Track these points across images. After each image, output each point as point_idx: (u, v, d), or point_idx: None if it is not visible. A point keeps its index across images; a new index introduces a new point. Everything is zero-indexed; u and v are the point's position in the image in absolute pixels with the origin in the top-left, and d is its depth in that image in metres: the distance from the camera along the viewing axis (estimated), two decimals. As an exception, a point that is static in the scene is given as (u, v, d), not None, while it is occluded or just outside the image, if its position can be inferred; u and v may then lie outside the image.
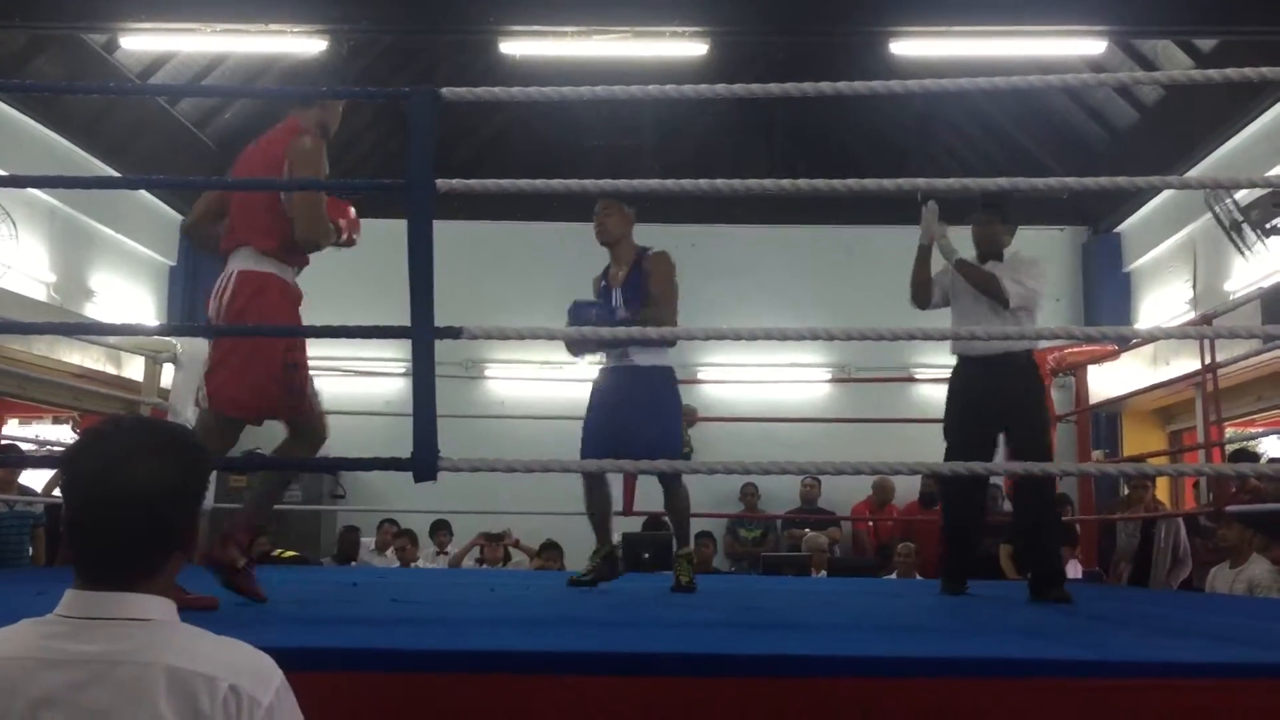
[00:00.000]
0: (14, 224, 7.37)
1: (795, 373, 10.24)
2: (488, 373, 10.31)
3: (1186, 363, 7.31)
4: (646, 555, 7.18)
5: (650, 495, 7.25)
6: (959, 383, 4.65)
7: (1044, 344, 6.43)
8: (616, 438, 4.46)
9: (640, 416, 4.51)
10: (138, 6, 7.48)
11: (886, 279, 9.60)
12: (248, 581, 3.41)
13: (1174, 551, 6.72)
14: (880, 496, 9.30)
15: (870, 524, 9.30)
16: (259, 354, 3.38)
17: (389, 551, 8.33)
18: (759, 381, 10.14)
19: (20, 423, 9.89)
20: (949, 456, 4.51)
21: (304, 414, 3.53)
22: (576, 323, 4.49)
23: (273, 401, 3.44)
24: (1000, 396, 4.42)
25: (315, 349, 3.85)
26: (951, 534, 4.84)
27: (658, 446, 4.35)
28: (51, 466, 6.53)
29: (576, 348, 4.78)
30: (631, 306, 4.60)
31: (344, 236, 3.58)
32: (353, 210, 3.66)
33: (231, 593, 3.35)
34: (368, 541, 8.59)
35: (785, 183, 3.06)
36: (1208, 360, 5.64)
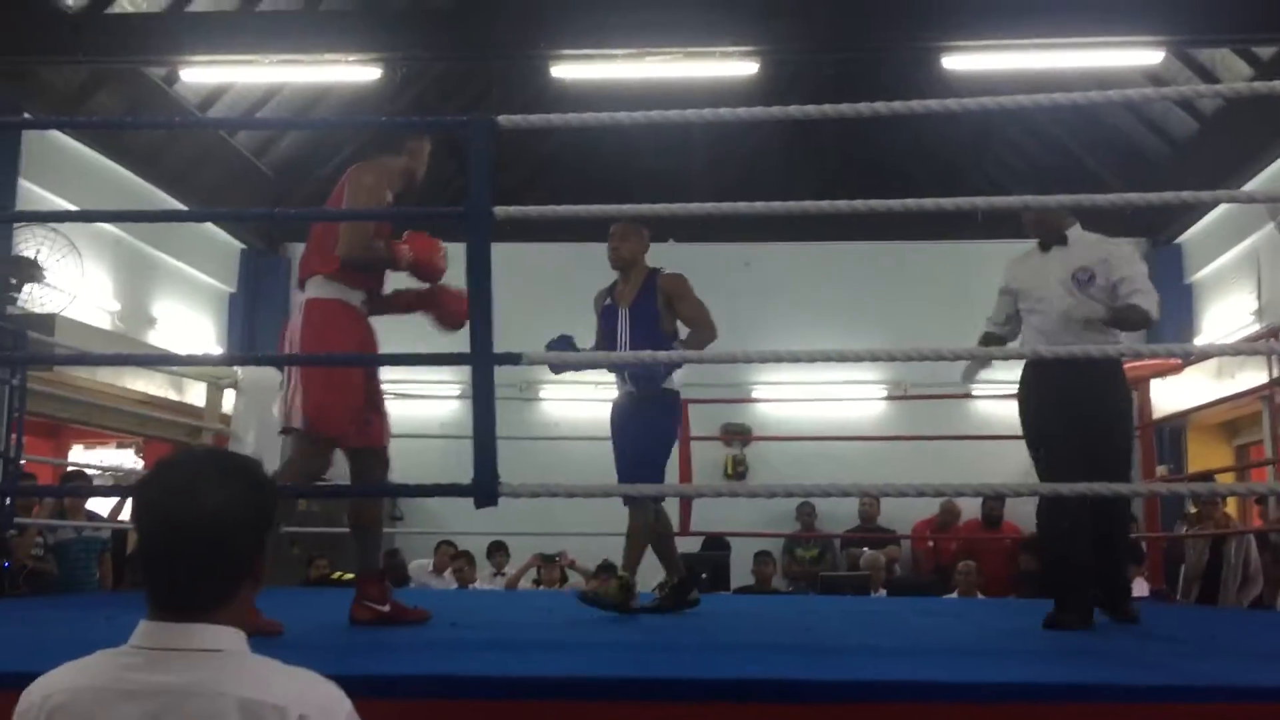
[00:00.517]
0: (80, 255, 7.53)
1: (851, 390, 10.15)
2: (542, 394, 10.34)
3: (1252, 375, 7.16)
4: (704, 575, 7.15)
5: (707, 516, 7.26)
6: (1032, 375, 4.22)
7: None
8: (624, 460, 4.47)
9: (629, 436, 4.46)
10: (196, 41, 7.64)
11: (942, 294, 9.57)
12: (405, 614, 3.70)
13: (1244, 569, 6.58)
14: (945, 518, 9.19)
15: (930, 543, 9.20)
16: (338, 377, 3.53)
17: (446, 573, 8.37)
18: (814, 400, 10.06)
19: (85, 448, 10.09)
20: (1042, 466, 4.06)
21: (373, 442, 3.70)
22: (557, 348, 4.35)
23: (352, 424, 3.58)
24: (1080, 395, 3.94)
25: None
26: (1045, 555, 4.37)
27: (635, 466, 4.33)
28: (117, 494, 6.67)
29: (557, 366, 4.70)
30: (640, 327, 4.47)
31: (403, 262, 3.66)
32: (443, 247, 3.73)
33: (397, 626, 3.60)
34: (425, 563, 8.63)
35: (842, 204, 3.04)
36: (1275, 374, 5.53)
